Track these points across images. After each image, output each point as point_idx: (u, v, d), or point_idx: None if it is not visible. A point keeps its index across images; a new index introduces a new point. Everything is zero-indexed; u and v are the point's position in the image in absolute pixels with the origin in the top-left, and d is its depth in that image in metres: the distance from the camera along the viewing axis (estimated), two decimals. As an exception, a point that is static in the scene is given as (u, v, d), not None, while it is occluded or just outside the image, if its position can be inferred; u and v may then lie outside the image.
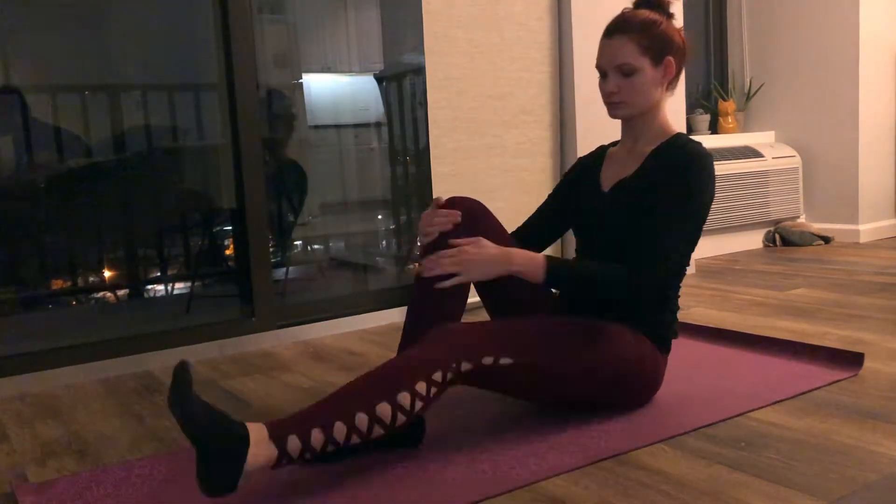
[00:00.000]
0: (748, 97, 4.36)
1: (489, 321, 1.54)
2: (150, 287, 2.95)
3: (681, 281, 1.71)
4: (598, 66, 1.69)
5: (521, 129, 3.00)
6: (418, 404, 1.36)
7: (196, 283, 2.98)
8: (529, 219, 1.89)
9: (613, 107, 1.68)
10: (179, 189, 2.99)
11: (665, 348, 1.69)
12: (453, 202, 1.67)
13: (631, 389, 1.65)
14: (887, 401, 1.66)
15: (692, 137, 1.69)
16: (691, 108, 4.27)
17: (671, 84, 1.70)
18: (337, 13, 3.75)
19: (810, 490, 1.26)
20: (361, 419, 1.32)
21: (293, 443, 1.28)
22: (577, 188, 1.83)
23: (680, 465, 1.39)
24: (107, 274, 2.85)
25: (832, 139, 4.07)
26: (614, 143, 1.86)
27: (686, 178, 1.58)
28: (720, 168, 3.89)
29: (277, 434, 1.28)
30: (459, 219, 1.62)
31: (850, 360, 1.91)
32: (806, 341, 2.11)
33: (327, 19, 3.73)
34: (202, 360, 2.47)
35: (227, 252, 3.02)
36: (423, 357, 1.40)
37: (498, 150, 2.95)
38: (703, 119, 4.27)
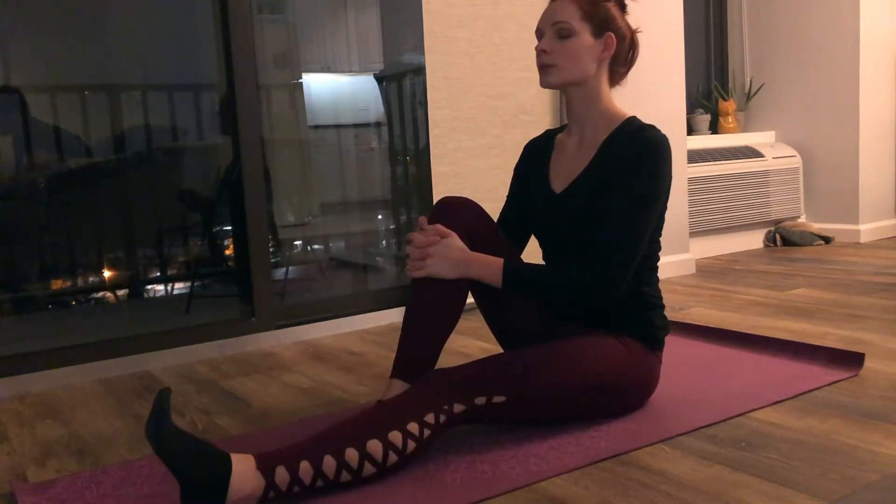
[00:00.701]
0: (748, 97, 4.36)
1: (480, 359, 1.50)
2: (150, 287, 2.95)
3: (655, 273, 1.66)
4: (537, 29, 1.64)
5: (521, 129, 3.00)
6: (410, 444, 1.36)
7: (196, 283, 2.98)
8: (502, 213, 1.84)
9: (544, 71, 1.61)
10: (181, 190, 2.99)
11: (657, 346, 1.65)
12: (445, 203, 1.64)
13: (628, 396, 1.63)
14: (887, 401, 1.66)
15: (645, 122, 1.61)
16: (692, 108, 4.27)
17: (616, 72, 1.65)
18: (337, 13, 3.75)
19: (810, 490, 1.26)
20: (351, 454, 1.31)
21: (281, 474, 1.26)
22: (527, 185, 1.77)
23: (680, 465, 1.39)
24: (107, 274, 2.85)
25: (832, 139, 4.07)
26: (562, 128, 1.79)
27: (640, 168, 1.53)
28: (721, 168, 3.90)
29: (265, 465, 1.25)
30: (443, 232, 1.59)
31: (851, 360, 1.91)
32: (806, 341, 2.11)
33: (327, 19, 3.73)
34: (202, 360, 2.47)
35: (227, 252, 3.02)
36: (414, 399, 1.40)
37: (498, 150, 2.95)
38: (704, 119, 4.27)
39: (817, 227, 4.13)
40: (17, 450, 1.72)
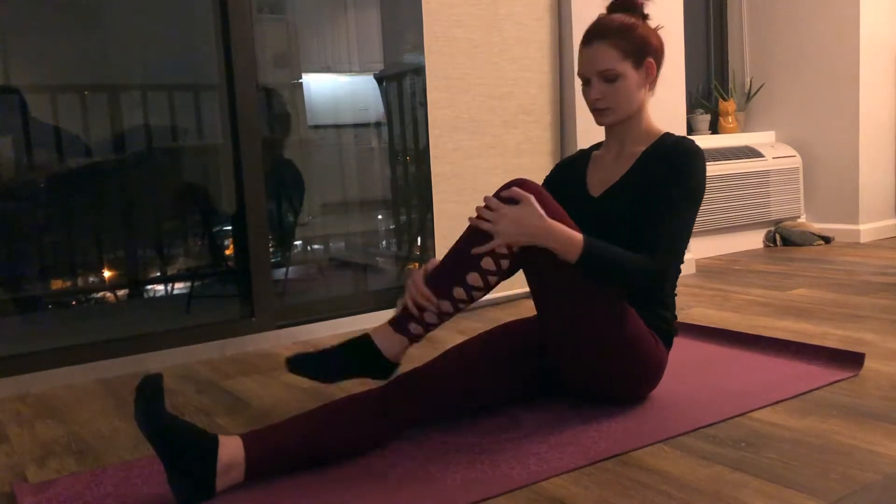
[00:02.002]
0: (748, 97, 4.36)
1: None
2: (150, 287, 2.95)
3: (677, 277, 1.73)
4: (580, 74, 1.69)
5: (521, 129, 3.00)
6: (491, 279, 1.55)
7: (196, 283, 2.98)
8: None
9: (600, 114, 1.69)
10: (183, 186, 2.99)
11: (667, 343, 1.70)
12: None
13: (636, 370, 1.63)
14: (887, 401, 1.66)
15: (683, 137, 1.70)
16: (692, 108, 4.27)
17: (652, 85, 1.72)
18: (337, 13, 3.75)
19: (810, 490, 1.26)
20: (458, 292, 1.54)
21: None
22: (563, 193, 1.79)
23: (680, 465, 1.39)
24: (107, 274, 2.85)
25: (832, 139, 4.07)
26: (597, 146, 1.85)
27: (686, 170, 1.60)
28: (721, 168, 3.90)
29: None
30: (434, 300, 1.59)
31: (851, 360, 1.91)
32: (806, 341, 2.11)
33: (327, 19, 3.73)
34: (202, 360, 2.47)
35: (227, 252, 3.02)
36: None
37: (498, 149, 2.95)
38: (704, 119, 4.27)
39: (817, 227, 4.13)
40: (17, 450, 1.72)
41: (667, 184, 1.61)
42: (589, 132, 3.03)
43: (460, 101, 2.86)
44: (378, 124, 3.68)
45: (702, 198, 1.65)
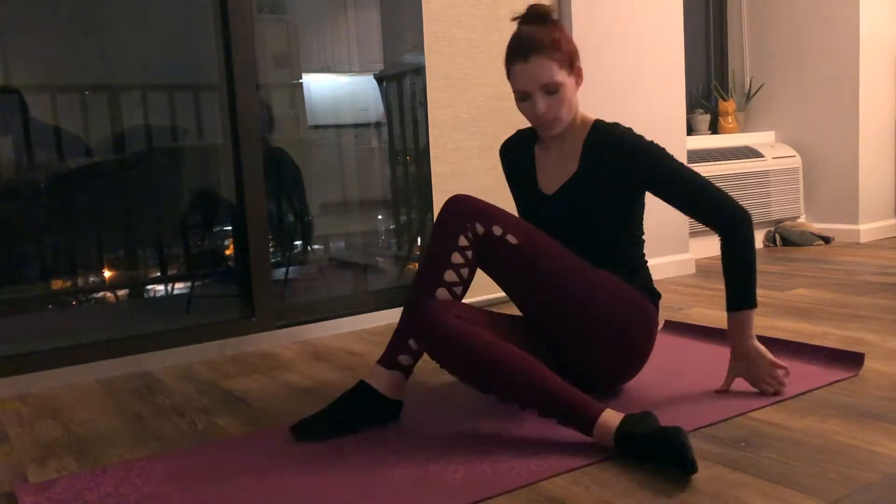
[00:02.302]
0: (748, 97, 4.36)
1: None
2: (150, 287, 2.95)
3: (642, 236, 1.82)
4: (519, 90, 1.72)
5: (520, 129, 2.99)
6: (464, 271, 1.64)
7: (196, 283, 2.98)
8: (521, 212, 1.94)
9: (548, 126, 1.73)
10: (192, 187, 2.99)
11: (654, 298, 1.77)
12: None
13: (627, 329, 1.70)
14: (887, 401, 1.66)
15: (605, 120, 1.77)
16: (691, 108, 4.27)
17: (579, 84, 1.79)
18: (337, 13, 3.75)
19: (810, 490, 1.26)
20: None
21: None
22: (515, 191, 1.93)
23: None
24: (107, 274, 2.85)
25: (832, 139, 4.07)
26: (531, 137, 1.88)
27: (642, 150, 1.69)
28: (721, 168, 3.90)
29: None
30: None
31: (851, 360, 1.91)
32: (806, 341, 2.11)
33: (327, 19, 3.73)
34: (202, 360, 2.47)
35: (228, 252, 3.02)
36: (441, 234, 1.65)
37: (498, 149, 2.94)
38: (704, 119, 4.27)
39: (817, 227, 4.13)
40: (17, 450, 1.72)
41: (651, 177, 1.70)
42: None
43: (460, 101, 2.86)
44: (378, 124, 3.68)
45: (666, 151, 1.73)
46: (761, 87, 4.33)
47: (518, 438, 1.55)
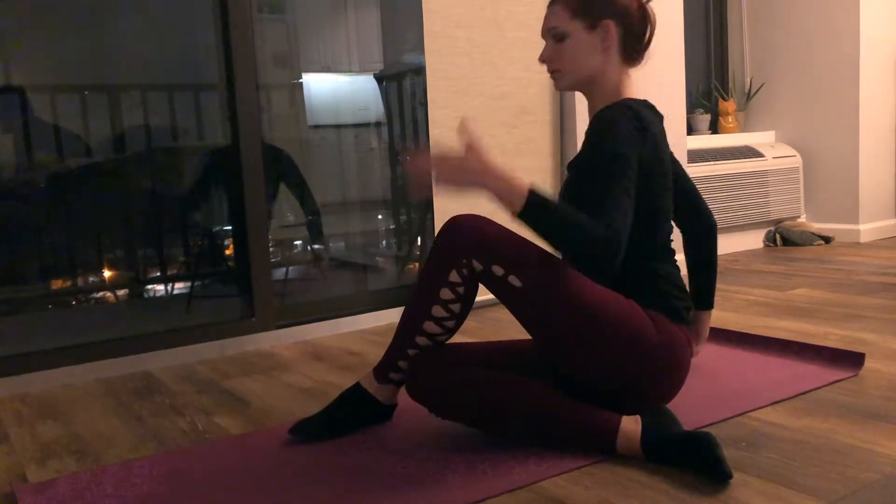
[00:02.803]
0: (748, 97, 4.36)
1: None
2: (150, 287, 2.95)
3: (668, 250, 1.60)
4: (542, 37, 1.62)
5: (521, 129, 2.99)
6: (454, 306, 1.50)
7: (196, 283, 2.98)
8: None
9: (553, 77, 1.60)
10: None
11: (678, 318, 1.54)
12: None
13: (651, 355, 1.47)
14: (887, 401, 1.66)
15: (629, 102, 1.53)
16: (692, 108, 4.27)
17: (628, 53, 1.58)
18: (337, 13, 3.75)
19: (810, 490, 1.26)
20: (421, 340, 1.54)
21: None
22: None
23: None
24: (107, 274, 2.85)
25: (832, 139, 4.07)
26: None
27: (597, 133, 1.49)
28: (720, 168, 3.90)
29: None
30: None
31: (851, 360, 1.91)
32: (806, 341, 2.11)
33: (327, 19, 3.73)
34: (202, 360, 2.47)
35: (227, 252, 3.01)
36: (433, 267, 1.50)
37: (498, 149, 2.95)
38: (704, 119, 4.27)
39: (817, 227, 4.13)
40: (17, 450, 1.72)
41: (583, 163, 1.51)
42: (589, 132, 3.03)
43: (460, 101, 2.86)
44: (378, 124, 3.68)
45: (622, 159, 1.44)
46: (761, 86, 4.33)
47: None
